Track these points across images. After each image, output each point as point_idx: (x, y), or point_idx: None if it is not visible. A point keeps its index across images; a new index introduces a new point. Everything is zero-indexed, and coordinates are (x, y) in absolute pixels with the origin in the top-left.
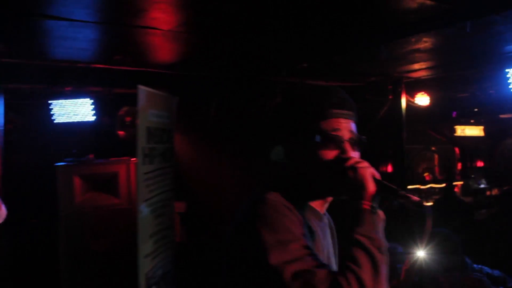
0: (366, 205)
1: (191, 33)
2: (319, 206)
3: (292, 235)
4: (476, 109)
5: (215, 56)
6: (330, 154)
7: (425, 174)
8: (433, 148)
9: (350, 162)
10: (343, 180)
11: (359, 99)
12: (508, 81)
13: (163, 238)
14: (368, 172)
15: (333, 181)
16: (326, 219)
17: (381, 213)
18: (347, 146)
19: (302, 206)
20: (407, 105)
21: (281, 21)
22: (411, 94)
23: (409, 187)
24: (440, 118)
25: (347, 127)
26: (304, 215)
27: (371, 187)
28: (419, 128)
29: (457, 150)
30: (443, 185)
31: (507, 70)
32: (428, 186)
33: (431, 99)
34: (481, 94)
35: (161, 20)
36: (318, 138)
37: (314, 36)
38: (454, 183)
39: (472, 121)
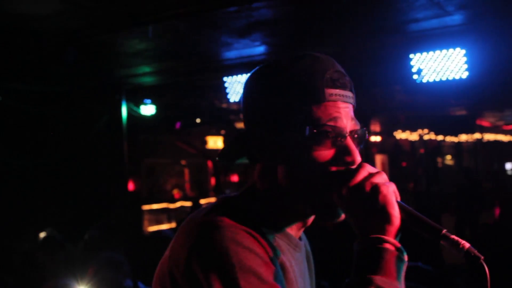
0: (390, 244)
1: None
2: (295, 229)
3: (261, 283)
4: (198, 120)
5: None
6: (324, 155)
7: (175, 191)
8: (183, 162)
9: (363, 173)
10: (351, 200)
11: (74, 107)
12: (226, 91)
13: None
14: (392, 192)
15: (328, 198)
16: (303, 246)
17: (406, 257)
18: (351, 144)
19: (271, 232)
20: (132, 114)
21: None
22: (137, 101)
23: (156, 206)
24: (165, 129)
25: (348, 115)
26: (273, 244)
27: (397, 217)
28: (165, 139)
29: (210, 163)
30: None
31: (224, 79)
32: (179, 204)
33: (161, 108)
34: (206, 104)
35: None
36: (308, 131)
37: None
38: (205, 200)
39: (222, 131)
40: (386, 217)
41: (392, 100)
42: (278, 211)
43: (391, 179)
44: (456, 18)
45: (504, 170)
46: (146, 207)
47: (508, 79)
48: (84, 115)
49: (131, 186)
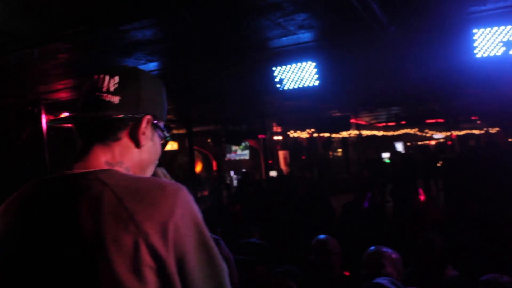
0: None
1: None
2: None
3: None
4: None
5: None
6: None
7: None
8: None
9: None
10: None
11: None
12: None
13: None
14: None
15: None
16: None
17: None
18: None
19: None
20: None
21: None
22: (55, 114)
23: None
24: None
25: None
26: None
27: None
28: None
29: None
30: None
31: None
32: None
33: None
34: None
35: None
36: None
37: None
38: None
39: None
40: None
41: (282, 105)
42: None
43: (293, 170)
44: (304, 37)
45: (382, 159)
46: None
47: (352, 86)
48: (5, 129)
49: None
